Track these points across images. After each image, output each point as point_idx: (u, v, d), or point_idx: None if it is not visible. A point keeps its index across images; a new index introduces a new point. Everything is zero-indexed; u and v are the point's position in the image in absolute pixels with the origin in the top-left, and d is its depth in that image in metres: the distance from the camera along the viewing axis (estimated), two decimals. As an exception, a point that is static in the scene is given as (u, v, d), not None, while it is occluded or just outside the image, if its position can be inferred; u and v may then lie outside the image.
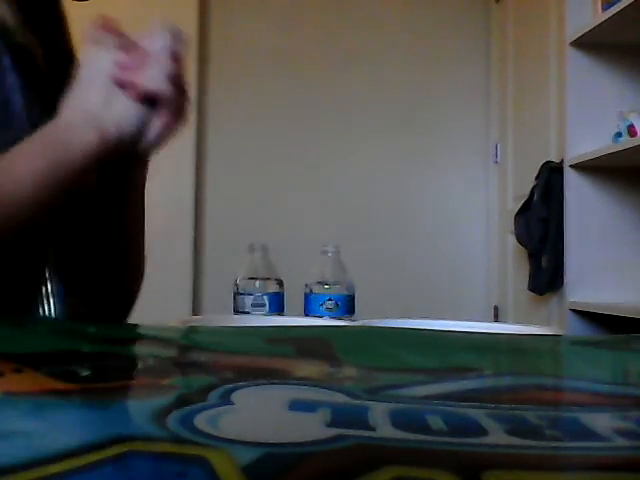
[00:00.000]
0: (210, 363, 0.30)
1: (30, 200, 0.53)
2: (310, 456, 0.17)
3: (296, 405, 0.22)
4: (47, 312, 0.59)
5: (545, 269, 2.15)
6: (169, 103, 0.55)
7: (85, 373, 0.25)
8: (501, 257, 2.58)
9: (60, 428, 0.18)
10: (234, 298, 1.02)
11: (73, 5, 0.69)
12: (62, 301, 0.61)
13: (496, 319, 2.57)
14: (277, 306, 1.01)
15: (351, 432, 0.19)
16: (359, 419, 0.20)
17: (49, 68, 0.66)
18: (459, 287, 2.64)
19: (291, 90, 2.63)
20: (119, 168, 0.60)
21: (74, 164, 0.55)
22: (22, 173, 0.53)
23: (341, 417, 0.21)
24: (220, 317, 0.77)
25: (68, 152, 0.54)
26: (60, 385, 0.23)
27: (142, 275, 0.67)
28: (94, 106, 0.55)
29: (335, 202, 2.63)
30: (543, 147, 2.35)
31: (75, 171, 0.55)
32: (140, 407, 0.20)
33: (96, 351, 0.31)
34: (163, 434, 0.18)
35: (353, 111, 2.61)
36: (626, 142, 1.84)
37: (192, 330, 0.47)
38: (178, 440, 0.17)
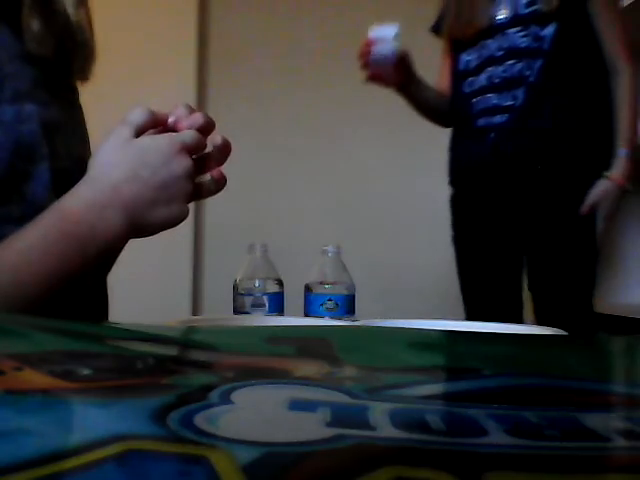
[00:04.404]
0: (210, 363, 0.30)
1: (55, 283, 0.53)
2: (310, 456, 0.17)
3: (296, 405, 0.22)
4: None
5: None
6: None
7: (85, 372, 0.25)
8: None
9: (60, 427, 0.18)
10: (234, 298, 1.02)
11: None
12: None
13: (496, 319, 2.57)
14: (277, 306, 1.01)
15: (351, 432, 0.19)
16: (359, 419, 0.20)
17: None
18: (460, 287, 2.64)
19: (291, 90, 2.63)
20: None
21: (99, 250, 0.55)
22: (45, 266, 0.52)
23: (341, 417, 0.21)
24: (220, 317, 0.77)
25: (95, 238, 0.55)
26: (60, 384, 0.23)
27: None
28: (122, 183, 0.55)
29: (335, 202, 2.63)
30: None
31: (100, 254, 0.56)
32: (140, 406, 0.20)
33: (96, 350, 0.31)
34: (163, 433, 0.18)
35: (354, 110, 2.60)
36: (626, 142, 1.84)
37: (192, 330, 0.47)
38: (178, 439, 0.17)
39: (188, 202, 0.60)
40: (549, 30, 1.43)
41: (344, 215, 2.60)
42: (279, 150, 2.63)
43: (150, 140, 0.58)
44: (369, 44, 1.46)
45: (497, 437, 0.19)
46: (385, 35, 1.43)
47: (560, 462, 0.18)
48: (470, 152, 1.57)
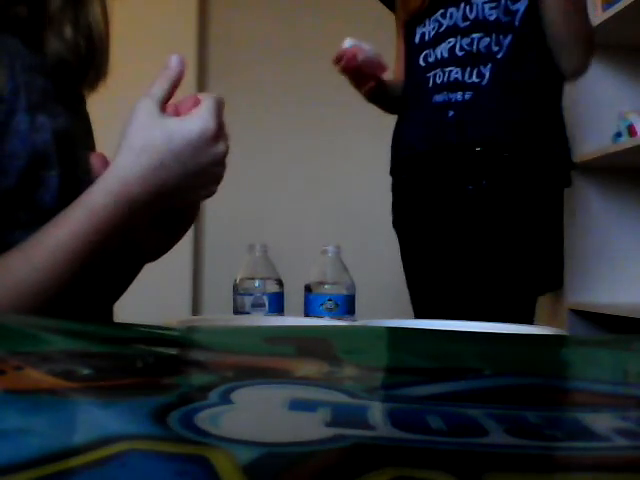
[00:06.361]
0: (210, 362, 0.30)
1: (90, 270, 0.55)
2: (310, 455, 0.17)
3: (296, 404, 0.22)
4: None
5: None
6: None
7: (86, 372, 0.25)
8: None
9: (60, 426, 0.18)
10: (234, 298, 1.02)
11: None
12: None
13: (496, 319, 2.56)
14: (277, 306, 1.01)
15: (351, 432, 0.19)
16: (359, 419, 0.20)
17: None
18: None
19: (291, 90, 2.63)
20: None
21: (125, 241, 0.58)
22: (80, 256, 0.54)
23: (341, 417, 0.21)
24: (220, 317, 0.77)
25: (123, 233, 0.56)
26: (61, 383, 0.23)
27: None
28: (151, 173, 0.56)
29: (335, 202, 2.63)
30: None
31: (122, 245, 0.59)
32: (140, 406, 0.20)
33: (97, 350, 0.31)
34: (163, 433, 0.18)
35: (354, 109, 2.60)
36: (626, 142, 1.84)
37: (192, 330, 0.47)
38: (178, 439, 0.17)
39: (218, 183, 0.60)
40: (521, 5, 1.31)
41: (344, 215, 2.60)
42: (279, 150, 2.63)
43: (179, 124, 0.57)
44: (351, 51, 1.39)
45: (497, 437, 0.19)
46: (362, 43, 1.42)
47: (560, 462, 0.18)
48: (425, 130, 1.39)
